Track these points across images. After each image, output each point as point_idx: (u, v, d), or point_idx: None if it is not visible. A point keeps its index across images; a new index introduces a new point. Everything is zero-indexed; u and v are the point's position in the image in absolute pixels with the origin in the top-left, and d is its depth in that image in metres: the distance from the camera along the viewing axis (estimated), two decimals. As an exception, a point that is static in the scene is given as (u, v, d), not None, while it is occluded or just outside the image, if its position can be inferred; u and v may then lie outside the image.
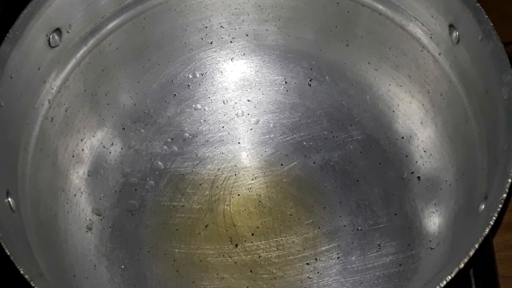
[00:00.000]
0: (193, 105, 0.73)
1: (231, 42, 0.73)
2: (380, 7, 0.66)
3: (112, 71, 0.69)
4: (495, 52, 0.56)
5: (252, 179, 0.70)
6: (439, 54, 0.64)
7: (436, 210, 0.64)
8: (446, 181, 0.64)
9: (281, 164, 0.70)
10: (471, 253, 0.49)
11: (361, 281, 0.63)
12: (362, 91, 0.71)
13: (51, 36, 0.62)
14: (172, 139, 0.71)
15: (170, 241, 0.66)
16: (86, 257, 0.64)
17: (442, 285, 0.48)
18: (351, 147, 0.70)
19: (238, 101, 0.73)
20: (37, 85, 0.62)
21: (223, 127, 0.72)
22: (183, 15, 0.70)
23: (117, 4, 0.66)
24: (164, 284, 0.64)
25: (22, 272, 0.49)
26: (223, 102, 0.73)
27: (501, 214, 0.51)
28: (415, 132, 0.68)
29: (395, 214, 0.66)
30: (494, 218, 0.50)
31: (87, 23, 0.65)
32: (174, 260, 0.65)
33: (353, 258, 0.64)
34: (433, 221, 0.64)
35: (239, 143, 0.72)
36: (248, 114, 0.73)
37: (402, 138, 0.69)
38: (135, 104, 0.71)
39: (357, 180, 0.69)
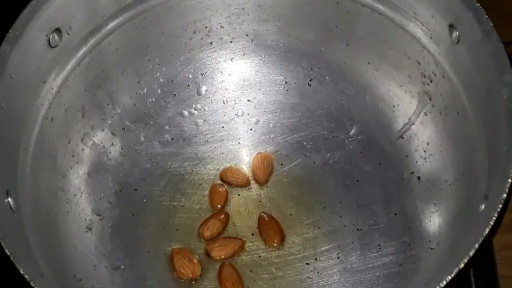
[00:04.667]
0: (193, 105, 0.73)
1: (231, 42, 0.73)
2: (380, 7, 0.66)
3: (112, 71, 0.69)
4: (495, 52, 0.56)
5: (252, 179, 0.70)
6: (439, 54, 0.64)
7: (436, 210, 0.64)
8: (446, 181, 0.64)
9: (281, 164, 0.70)
10: (471, 253, 0.49)
11: (361, 281, 0.63)
12: (362, 91, 0.71)
13: (51, 36, 0.62)
14: (172, 139, 0.71)
15: (170, 241, 0.66)
16: (86, 257, 0.64)
17: (442, 285, 0.49)
18: (351, 147, 0.70)
19: (238, 101, 0.73)
20: (37, 85, 0.62)
21: (223, 127, 0.72)
22: (183, 15, 0.70)
23: (117, 4, 0.66)
24: (164, 284, 0.64)
25: (22, 272, 0.49)
26: (223, 102, 0.73)
27: (501, 214, 0.51)
28: (415, 132, 0.68)
29: (395, 214, 0.66)
30: (494, 218, 0.50)
31: (87, 23, 0.65)
32: (174, 260, 0.65)
33: (353, 258, 0.64)
34: (433, 221, 0.64)
35: (239, 143, 0.72)
36: (248, 114, 0.73)
37: (402, 138, 0.69)
38: (135, 104, 0.71)
39: (357, 180, 0.69)
